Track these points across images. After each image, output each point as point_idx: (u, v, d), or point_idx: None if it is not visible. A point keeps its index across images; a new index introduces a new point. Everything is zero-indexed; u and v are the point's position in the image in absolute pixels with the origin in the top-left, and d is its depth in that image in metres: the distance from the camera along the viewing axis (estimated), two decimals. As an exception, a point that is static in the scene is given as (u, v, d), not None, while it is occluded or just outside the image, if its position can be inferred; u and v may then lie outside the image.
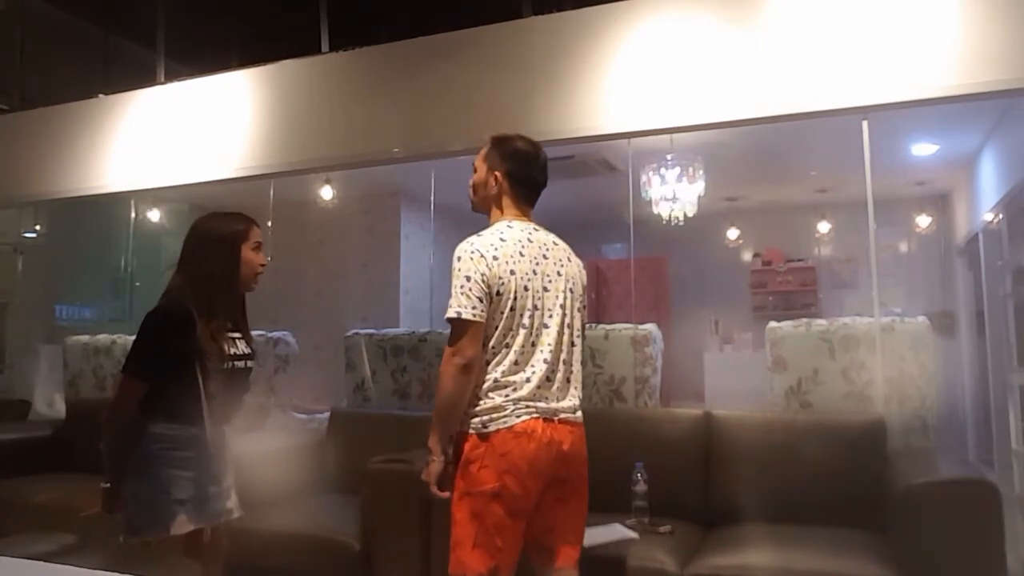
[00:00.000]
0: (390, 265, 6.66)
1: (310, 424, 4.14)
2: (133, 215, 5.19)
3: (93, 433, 2.13)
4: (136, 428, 2.09)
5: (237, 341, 2.25)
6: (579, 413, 2.02)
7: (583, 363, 2.00)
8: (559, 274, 2.03)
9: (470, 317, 1.87)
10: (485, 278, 1.89)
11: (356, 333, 4.02)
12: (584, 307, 2.14)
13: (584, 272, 2.15)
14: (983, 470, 4.42)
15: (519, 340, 1.93)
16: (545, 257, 2.02)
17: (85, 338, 4.64)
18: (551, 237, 2.09)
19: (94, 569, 1.22)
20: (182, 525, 2.07)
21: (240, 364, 2.24)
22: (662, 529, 2.58)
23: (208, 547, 2.19)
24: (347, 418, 3.65)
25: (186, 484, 2.09)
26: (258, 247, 2.23)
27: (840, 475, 2.65)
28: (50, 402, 4.73)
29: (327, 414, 3.76)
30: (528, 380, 1.92)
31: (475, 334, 1.88)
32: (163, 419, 2.10)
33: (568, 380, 2.01)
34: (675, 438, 2.92)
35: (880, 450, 2.71)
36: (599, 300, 7.22)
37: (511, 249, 1.95)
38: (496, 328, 1.92)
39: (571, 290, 2.04)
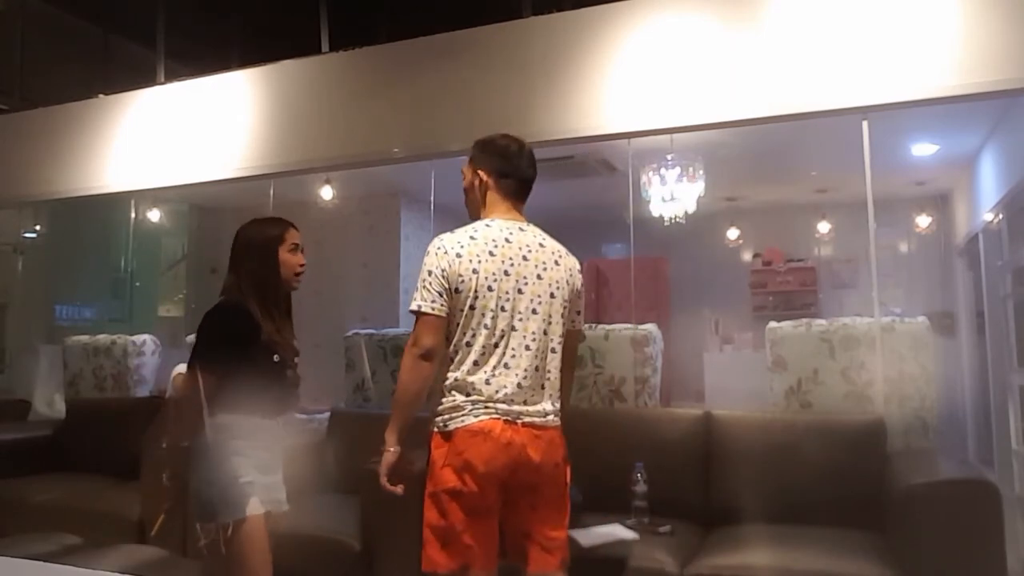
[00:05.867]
0: (390, 265, 6.66)
1: (310, 424, 4.13)
2: (133, 215, 5.19)
3: (93, 433, 2.13)
4: (202, 419, 2.15)
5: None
6: (551, 418, 1.94)
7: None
8: (539, 277, 1.96)
9: (428, 310, 1.89)
10: (445, 274, 1.91)
11: (356, 333, 4.02)
12: (579, 312, 2.08)
13: (578, 275, 2.06)
14: (983, 470, 4.42)
15: (480, 340, 1.90)
16: (525, 259, 1.96)
17: (85, 338, 4.64)
18: (539, 238, 2.02)
19: (94, 569, 1.22)
20: (255, 507, 2.13)
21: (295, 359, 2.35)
22: (662, 529, 2.58)
23: (247, 540, 2.18)
24: (347, 418, 3.65)
25: (251, 470, 2.15)
26: (295, 248, 2.34)
27: (840, 475, 2.65)
28: (50, 402, 4.73)
29: (327, 414, 3.77)
30: (488, 382, 1.89)
31: (432, 326, 1.90)
32: (227, 410, 2.16)
33: (542, 387, 1.95)
34: (675, 438, 2.92)
35: (880, 450, 2.71)
36: (599, 300, 7.21)
37: (479, 248, 1.94)
38: (457, 326, 1.92)
39: (553, 295, 1.97)
